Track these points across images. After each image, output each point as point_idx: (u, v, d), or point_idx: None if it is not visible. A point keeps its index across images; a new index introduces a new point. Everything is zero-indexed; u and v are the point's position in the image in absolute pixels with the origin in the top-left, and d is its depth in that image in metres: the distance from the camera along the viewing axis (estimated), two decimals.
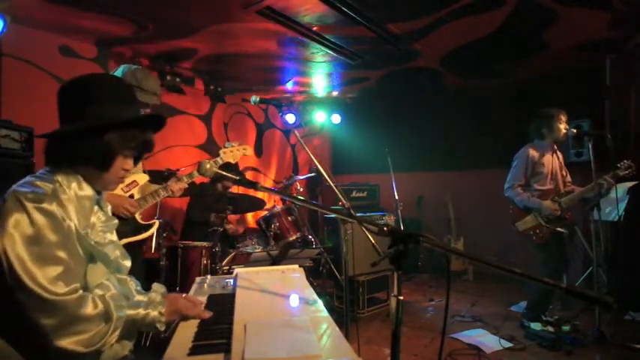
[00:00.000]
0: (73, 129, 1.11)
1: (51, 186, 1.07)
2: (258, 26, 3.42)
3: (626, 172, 3.15)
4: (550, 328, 3.15)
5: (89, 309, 1.01)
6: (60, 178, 1.11)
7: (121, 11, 3.16)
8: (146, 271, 2.74)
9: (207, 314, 1.26)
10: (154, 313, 1.15)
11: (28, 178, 1.09)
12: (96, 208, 1.22)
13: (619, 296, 3.50)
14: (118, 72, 2.21)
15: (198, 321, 1.23)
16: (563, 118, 3.28)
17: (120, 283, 1.25)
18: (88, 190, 1.16)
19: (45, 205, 1.02)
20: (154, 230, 2.29)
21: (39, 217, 1.00)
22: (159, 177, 2.71)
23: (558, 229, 3.19)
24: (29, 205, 0.99)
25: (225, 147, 2.41)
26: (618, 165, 3.17)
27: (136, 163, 1.26)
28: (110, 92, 1.16)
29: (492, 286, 4.74)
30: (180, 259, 3.07)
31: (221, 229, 3.15)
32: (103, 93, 1.15)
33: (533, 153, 3.29)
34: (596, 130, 3.88)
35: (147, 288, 1.38)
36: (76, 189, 1.13)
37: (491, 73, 4.91)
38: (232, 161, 2.43)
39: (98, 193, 1.23)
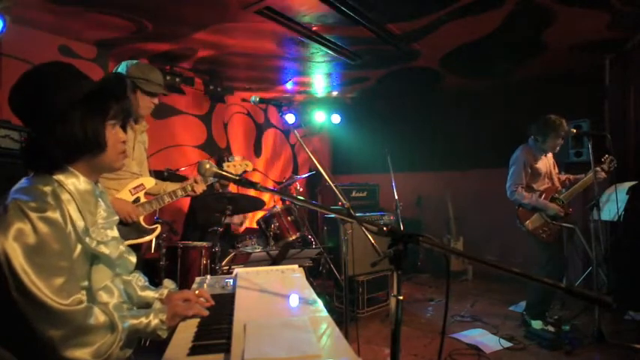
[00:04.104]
0: (48, 131, 1.06)
1: (50, 187, 1.04)
2: (258, 26, 3.42)
3: (610, 165, 3.26)
4: (550, 328, 3.16)
5: (95, 320, 1.01)
6: (57, 177, 1.08)
7: (121, 11, 3.16)
8: (146, 271, 2.75)
9: (205, 312, 1.27)
10: (155, 322, 1.15)
11: (25, 183, 1.05)
12: (100, 201, 1.20)
13: (618, 296, 3.50)
14: (121, 68, 2.23)
15: (198, 321, 1.23)
16: (563, 132, 3.23)
17: (124, 284, 1.25)
18: (87, 185, 1.14)
19: (49, 214, 0.99)
20: (156, 234, 2.35)
21: (42, 227, 0.97)
22: (159, 177, 2.72)
23: (564, 224, 3.24)
24: (33, 215, 0.96)
25: (228, 161, 2.50)
26: (602, 160, 3.27)
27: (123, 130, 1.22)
28: (61, 76, 1.11)
29: (492, 286, 4.74)
30: (180, 259, 3.06)
31: (221, 230, 3.15)
32: (56, 80, 1.09)
33: (529, 156, 3.31)
34: (596, 130, 3.88)
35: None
36: (76, 184, 1.11)
37: (491, 73, 4.91)
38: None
39: (95, 182, 1.20)
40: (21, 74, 1.10)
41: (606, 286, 3.64)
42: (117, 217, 1.28)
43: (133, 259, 1.30)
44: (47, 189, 1.03)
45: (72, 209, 1.07)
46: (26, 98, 1.08)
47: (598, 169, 3.23)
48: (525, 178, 3.30)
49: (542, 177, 3.33)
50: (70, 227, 1.04)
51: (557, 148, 3.32)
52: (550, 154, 3.42)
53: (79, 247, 1.07)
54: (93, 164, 1.15)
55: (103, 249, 1.14)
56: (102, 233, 1.16)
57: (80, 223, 1.09)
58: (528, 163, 3.29)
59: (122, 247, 1.25)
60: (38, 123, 1.08)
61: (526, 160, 3.29)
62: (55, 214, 1.01)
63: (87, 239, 1.10)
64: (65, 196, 1.07)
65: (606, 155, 3.29)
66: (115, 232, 1.24)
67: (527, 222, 3.28)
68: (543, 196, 3.29)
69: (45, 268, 0.96)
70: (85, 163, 1.14)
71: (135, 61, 2.28)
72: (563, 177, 3.49)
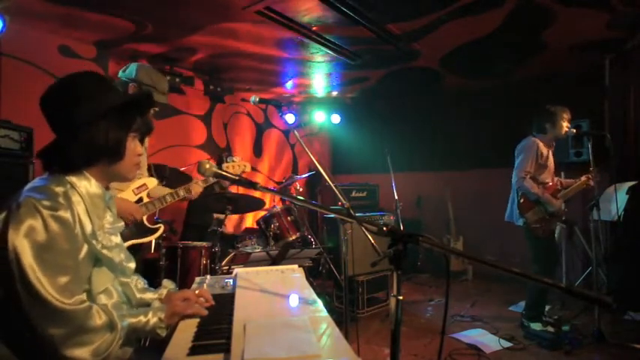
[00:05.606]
0: (73, 136, 1.11)
1: (63, 188, 1.07)
2: (258, 26, 3.42)
3: (594, 180, 3.28)
4: (550, 328, 3.16)
5: (95, 320, 1.02)
6: (70, 179, 1.11)
7: (121, 11, 3.16)
8: (145, 271, 2.76)
9: (205, 311, 1.27)
10: (154, 320, 1.17)
11: (39, 182, 1.08)
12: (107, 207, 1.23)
13: (618, 296, 3.50)
14: (130, 70, 2.23)
15: (197, 321, 1.23)
16: (566, 116, 3.28)
17: (122, 286, 1.26)
18: (98, 189, 1.18)
19: (60, 213, 1.02)
20: (159, 234, 2.37)
21: (53, 225, 1.00)
22: (159, 172, 2.74)
23: (559, 222, 3.30)
24: (45, 213, 0.99)
25: (227, 162, 2.52)
26: (590, 169, 3.29)
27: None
28: (94, 87, 1.16)
29: (492, 286, 4.74)
30: (179, 259, 3.06)
31: (221, 230, 3.15)
32: (88, 89, 1.15)
33: (541, 145, 3.26)
34: (596, 130, 3.88)
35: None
36: (87, 187, 1.14)
37: (491, 73, 4.91)
38: None
39: (106, 188, 1.24)
40: (55, 81, 1.16)
41: (606, 286, 3.65)
42: (122, 224, 1.30)
43: (132, 265, 1.32)
44: (59, 189, 1.06)
45: (81, 211, 1.10)
46: (57, 105, 1.13)
47: (590, 175, 3.26)
48: (533, 167, 3.23)
49: (547, 170, 3.30)
50: (78, 228, 1.07)
51: (567, 129, 3.30)
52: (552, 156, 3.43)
53: (85, 248, 1.09)
54: (108, 171, 1.19)
55: (107, 253, 1.16)
56: (107, 238, 1.19)
57: (88, 226, 1.11)
58: (539, 153, 3.24)
59: (122, 255, 1.27)
60: (65, 128, 1.13)
61: (538, 149, 3.24)
62: (66, 214, 1.03)
63: (93, 241, 1.12)
64: (76, 198, 1.09)
65: (591, 168, 3.29)
66: (119, 239, 1.27)
67: (529, 213, 3.22)
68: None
69: (52, 265, 0.98)
70: (100, 170, 1.18)
71: (146, 66, 2.28)
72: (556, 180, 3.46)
